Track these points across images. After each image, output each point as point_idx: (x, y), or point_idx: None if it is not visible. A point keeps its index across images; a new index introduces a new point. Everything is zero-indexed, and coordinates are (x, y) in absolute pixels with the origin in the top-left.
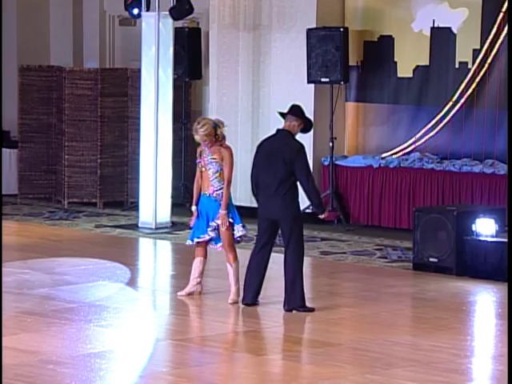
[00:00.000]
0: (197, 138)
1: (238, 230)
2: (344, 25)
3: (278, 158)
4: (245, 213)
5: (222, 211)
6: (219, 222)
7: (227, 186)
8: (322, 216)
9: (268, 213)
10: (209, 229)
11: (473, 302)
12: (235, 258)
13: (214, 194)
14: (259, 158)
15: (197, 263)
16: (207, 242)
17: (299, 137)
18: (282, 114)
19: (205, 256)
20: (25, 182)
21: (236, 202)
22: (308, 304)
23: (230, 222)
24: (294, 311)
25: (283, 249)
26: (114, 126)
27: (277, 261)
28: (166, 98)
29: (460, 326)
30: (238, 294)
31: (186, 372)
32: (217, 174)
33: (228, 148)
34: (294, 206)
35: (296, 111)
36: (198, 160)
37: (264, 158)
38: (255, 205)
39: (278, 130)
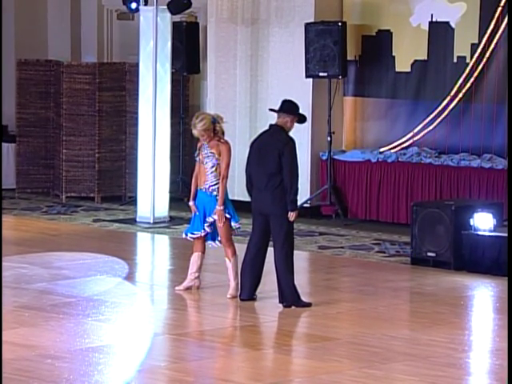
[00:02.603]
0: (195, 132)
1: (235, 227)
2: (342, 19)
3: (268, 152)
4: (242, 207)
5: (219, 207)
6: (216, 217)
7: (223, 181)
8: (289, 215)
9: (260, 208)
10: (205, 224)
11: (471, 297)
12: (234, 252)
13: (210, 189)
14: (252, 153)
15: (195, 258)
16: (205, 237)
17: (296, 131)
18: (275, 111)
19: (203, 251)
20: (23, 176)
21: (234, 197)
22: (306, 299)
23: (226, 217)
24: (292, 307)
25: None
26: (111, 121)
27: None
28: (164, 92)
29: (458, 321)
30: (237, 289)
31: (184, 366)
32: (213, 169)
33: (226, 143)
34: (284, 201)
35: (287, 108)
36: (196, 154)
37: (256, 153)
38: None
39: (271, 126)
